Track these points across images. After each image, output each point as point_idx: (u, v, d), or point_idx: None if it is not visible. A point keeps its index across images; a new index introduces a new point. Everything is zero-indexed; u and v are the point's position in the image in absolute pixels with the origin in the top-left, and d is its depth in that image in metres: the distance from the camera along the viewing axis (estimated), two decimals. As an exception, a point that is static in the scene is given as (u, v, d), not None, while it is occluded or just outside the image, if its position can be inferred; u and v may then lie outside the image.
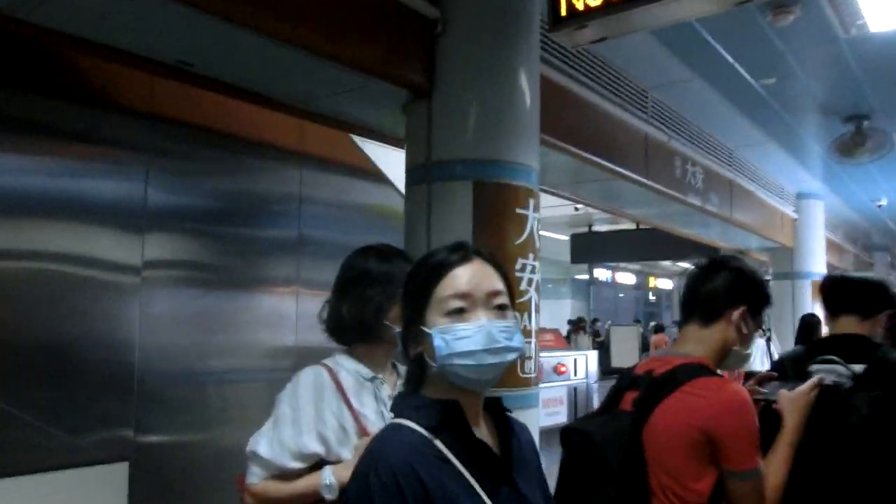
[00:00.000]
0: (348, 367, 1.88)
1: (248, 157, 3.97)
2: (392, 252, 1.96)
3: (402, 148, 4.25)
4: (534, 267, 3.34)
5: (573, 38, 3.20)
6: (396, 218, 4.91)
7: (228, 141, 3.85)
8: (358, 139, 4.49)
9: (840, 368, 2.10)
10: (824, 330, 2.65)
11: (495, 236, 3.23)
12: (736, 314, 1.84)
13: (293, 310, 4.10)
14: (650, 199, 6.03)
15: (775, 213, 8.95)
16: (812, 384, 1.94)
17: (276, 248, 4.10)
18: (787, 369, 2.31)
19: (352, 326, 1.89)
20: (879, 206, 10.57)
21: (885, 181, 9.15)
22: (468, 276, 1.26)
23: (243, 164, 3.96)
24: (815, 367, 2.12)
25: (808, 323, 5.91)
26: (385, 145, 4.37)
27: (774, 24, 4.08)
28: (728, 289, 1.86)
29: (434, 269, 1.28)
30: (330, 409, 1.77)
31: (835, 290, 2.44)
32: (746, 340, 1.87)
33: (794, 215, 9.55)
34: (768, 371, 2.30)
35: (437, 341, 1.22)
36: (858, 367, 2.03)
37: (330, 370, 1.86)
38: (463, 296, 1.24)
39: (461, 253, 1.30)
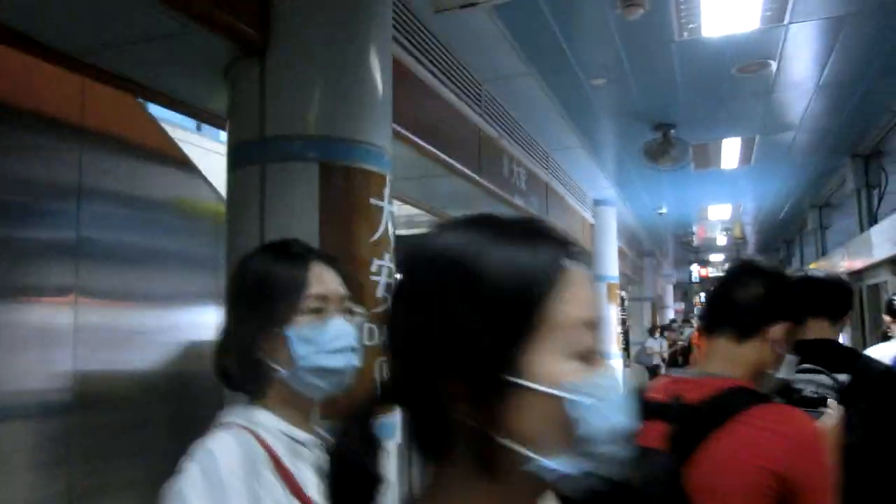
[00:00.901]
0: (270, 427, 1.18)
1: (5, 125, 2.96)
2: (303, 250, 1.33)
3: (217, 125, 3.48)
4: (390, 269, 2.75)
5: (440, -2, 2.67)
6: (207, 214, 4.07)
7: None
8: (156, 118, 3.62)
9: (825, 379, 1.90)
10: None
11: (346, 231, 2.60)
12: (777, 330, 1.44)
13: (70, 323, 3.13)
14: (477, 198, 5.67)
15: (578, 219, 9.12)
16: (835, 418, 1.58)
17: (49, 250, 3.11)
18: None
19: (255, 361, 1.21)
20: (660, 214, 11.28)
21: (669, 189, 9.71)
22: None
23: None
24: (798, 376, 1.91)
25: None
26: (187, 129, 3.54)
27: (625, 16, 3.86)
28: (768, 300, 1.47)
29: None
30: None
31: (803, 292, 2.20)
32: (780, 362, 1.46)
33: (592, 220, 9.84)
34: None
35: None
36: (843, 377, 1.81)
37: (255, 435, 1.15)
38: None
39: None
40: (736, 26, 4.34)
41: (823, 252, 11.17)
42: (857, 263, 7.55)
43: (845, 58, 4.97)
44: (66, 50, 2.75)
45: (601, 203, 9.92)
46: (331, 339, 1.22)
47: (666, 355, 12.83)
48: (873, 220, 7.84)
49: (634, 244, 14.67)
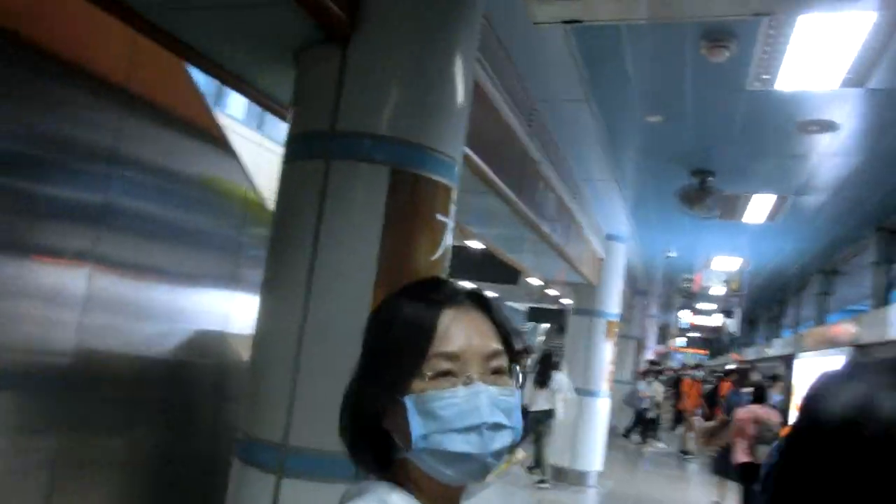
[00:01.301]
0: None
1: (48, 78, 2.67)
2: (446, 293, 1.00)
3: (269, 108, 3.22)
4: (444, 293, 2.49)
5: (544, 9, 2.42)
6: (235, 198, 3.80)
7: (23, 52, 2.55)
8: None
9: None
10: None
11: (408, 244, 2.34)
12: None
13: (82, 290, 2.83)
14: (505, 218, 5.41)
15: (590, 251, 8.89)
16: None
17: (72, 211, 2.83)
18: None
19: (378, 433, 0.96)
20: (668, 256, 11.09)
21: (683, 234, 9.52)
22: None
23: (39, 87, 2.65)
24: None
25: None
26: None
27: (708, 57, 3.64)
28: None
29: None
30: None
31: None
32: None
33: (602, 254, 9.62)
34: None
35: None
36: None
37: None
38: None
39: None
40: (813, 84, 4.14)
41: (822, 318, 11.03)
42: (868, 337, 7.37)
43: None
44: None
45: (613, 238, 9.70)
46: (459, 415, 0.91)
47: (660, 399, 12.63)
48: (887, 295, 7.70)
49: (630, 282, 14.48)
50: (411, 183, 2.36)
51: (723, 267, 11.85)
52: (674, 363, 29.37)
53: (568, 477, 9.00)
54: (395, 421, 0.92)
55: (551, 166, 5.61)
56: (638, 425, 13.74)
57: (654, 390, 13.17)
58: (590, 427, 9.21)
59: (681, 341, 34.32)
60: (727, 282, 14.28)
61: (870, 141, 5.09)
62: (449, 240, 2.51)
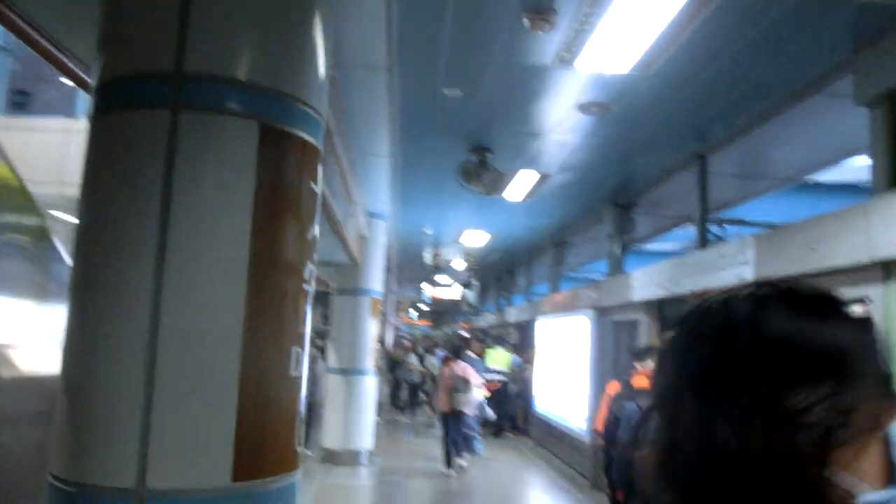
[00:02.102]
0: None
1: None
2: (832, 302, 0.67)
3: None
4: (311, 278, 2.04)
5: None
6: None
7: None
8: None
9: None
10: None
11: (279, 222, 1.85)
12: None
13: None
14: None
15: (356, 229, 8.63)
16: None
17: None
18: None
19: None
20: (424, 233, 11.27)
21: (443, 209, 9.70)
22: None
23: None
24: None
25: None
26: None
27: (531, 30, 3.54)
28: None
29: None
30: None
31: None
32: None
33: (366, 232, 9.42)
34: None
35: None
36: None
37: None
38: None
39: None
40: (607, 67, 4.27)
41: (556, 285, 12.06)
42: (607, 301, 8.13)
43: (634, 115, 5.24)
44: None
45: (376, 216, 9.55)
46: None
47: (435, 372, 12.82)
48: (621, 263, 8.58)
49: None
50: (282, 143, 1.87)
51: (470, 241, 12.36)
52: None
53: (341, 458, 8.75)
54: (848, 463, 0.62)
55: (340, 138, 5.21)
56: (413, 397, 14.01)
57: (430, 364, 13.41)
58: (359, 406, 9.02)
59: (413, 314, 35.82)
60: (468, 255, 15.01)
61: (628, 124, 5.48)
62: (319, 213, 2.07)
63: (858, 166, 9.86)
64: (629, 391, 5.25)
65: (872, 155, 3.95)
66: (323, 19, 2.07)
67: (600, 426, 5.72)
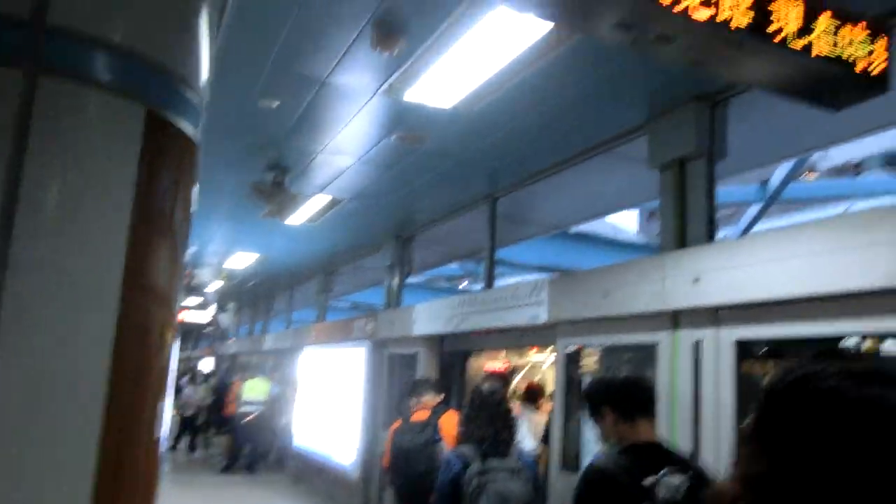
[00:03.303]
0: None
1: None
2: None
3: None
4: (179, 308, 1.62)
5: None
6: None
7: None
8: None
9: (676, 481, 2.03)
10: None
11: (158, 237, 1.43)
12: None
13: None
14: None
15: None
16: None
17: None
18: (621, 479, 2.12)
19: None
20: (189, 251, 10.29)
21: (214, 229, 8.96)
22: None
23: None
24: (666, 479, 2.05)
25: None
26: None
27: (378, 48, 3.34)
28: None
29: None
30: None
31: (632, 393, 2.44)
32: None
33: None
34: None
35: None
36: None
37: None
38: None
39: None
40: (434, 101, 4.22)
41: (324, 314, 11.76)
42: (387, 333, 8.06)
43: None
44: None
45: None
46: None
47: (206, 404, 11.55)
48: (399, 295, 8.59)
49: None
50: (166, 137, 1.46)
51: (236, 263, 11.59)
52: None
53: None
54: None
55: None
56: (186, 433, 12.55)
57: (201, 394, 12.12)
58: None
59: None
60: (228, 277, 14.08)
61: (432, 157, 5.50)
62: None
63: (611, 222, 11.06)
64: (409, 426, 5.17)
65: (662, 215, 4.36)
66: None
67: (385, 462, 5.56)
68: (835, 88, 2.50)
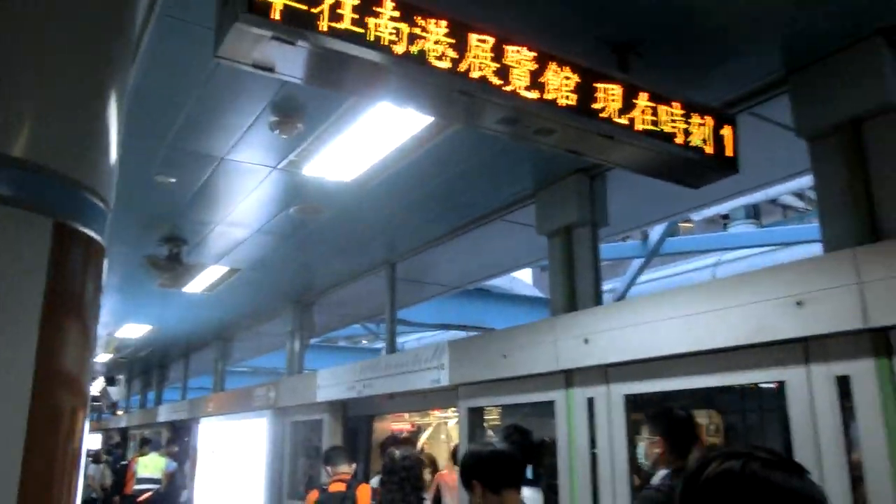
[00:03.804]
0: None
1: None
2: None
3: None
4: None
5: (242, 46, 1.90)
6: None
7: None
8: None
9: None
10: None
11: (67, 332, 1.45)
12: None
13: None
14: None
15: None
16: None
17: None
18: None
19: None
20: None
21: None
22: None
23: None
24: None
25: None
26: None
27: (278, 132, 3.42)
28: None
29: None
30: None
31: (499, 467, 2.53)
32: None
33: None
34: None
35: None
36: None
37: None
38: None
39: None
40: (333, 175, 4.33)
41: (221, 383, 11.36)
42: (286, 401, 7.90)
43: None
44: None
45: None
46: None
47: (108, 483, 10.67)
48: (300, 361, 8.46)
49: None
50: (73, 242, 1.48)
51: (127, 334, 11.05)
52: None
53: None
54: None
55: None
56: None
57: (103, 474, 11.21)
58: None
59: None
60: (117, 348, 13.37)
61: (331, 228, 5.58)
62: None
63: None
64: (328, 497, 5.10)
65: (551, 279, 4.61)
66: (118, 95, 1.74)
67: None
68: (691, 171, 2.80)
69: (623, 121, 2.48)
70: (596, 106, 2.47)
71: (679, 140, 2.64)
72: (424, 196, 4.90)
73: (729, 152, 2.84)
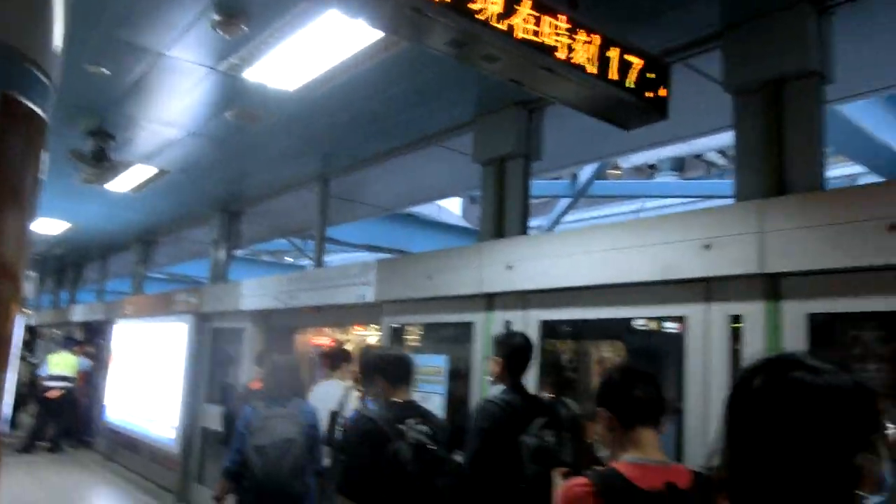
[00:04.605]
0: None
1: None
2: None
3: None
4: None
5: None
6: None
7: None
8: None
9: (422, 427, 2.91)
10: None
11: (10, 212, 1.46)
12: None
13: None
14: None
15: None
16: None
17: None
18: (382, 424, 2.90)
19: None
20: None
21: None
22: None
23: None
24: (415, 426, 2.92)
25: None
26: None
27: (221, 31, 3.33)
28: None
29: None
30: None
31: (399, 366, 3.18)
32: None
33: None
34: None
35: None
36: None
37: None
38: None
39: None
40: (276, 82, 4.25)
41: (141, 285, 11.16)
42: (213, 307, 7.89)
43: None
44: None
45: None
46: None
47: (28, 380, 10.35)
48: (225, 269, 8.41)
49: None
50: (17, 117, 1.47)
51: (41, 230, 10.62)
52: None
53: None
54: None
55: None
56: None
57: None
58: None
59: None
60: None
61: (267, 136, 5.50)
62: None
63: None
64: (248, 393, 5.29)
65: (482, 206, 4.73)
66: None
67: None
68: (625, 112, 2.93)
69: (562, 54, 2.56)
70: (546, 41, 2.54)
71: (613, 76, 2.75)
72: (365, 113, 4.89)
73: (661, 96, 2.97)
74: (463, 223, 12.54)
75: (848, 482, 0.99)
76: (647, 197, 10.21)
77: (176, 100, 4.77)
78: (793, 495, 1.00)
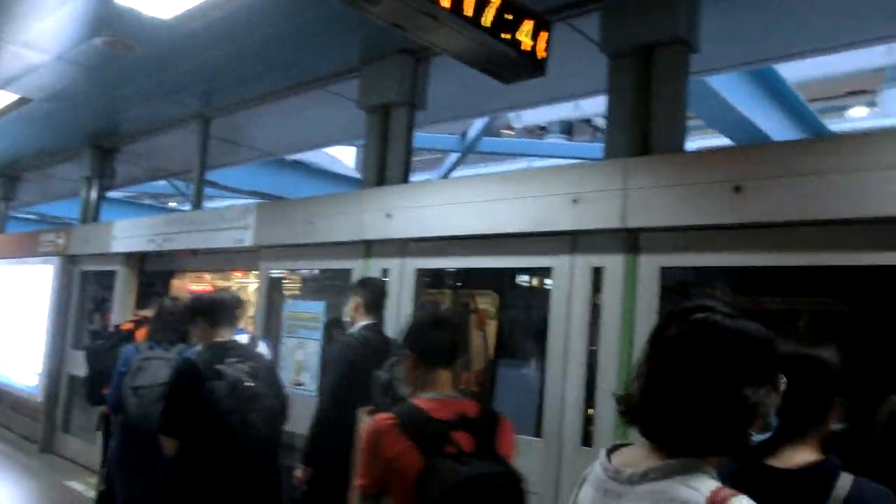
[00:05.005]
0: None
1: None
2: None
3: None
4: None
5: None
6: None
7: None
8: None
9: (240, 366, 3.00)
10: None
11: None
12: None
13: None
14: None
15: None
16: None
17: None
18: (201, 366, 2.98)
19: None
20: None
21: None
22: None
23: None
24: (233, 364, 3.01)
25: None
26: None
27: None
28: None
29: None
30: None
31: (218, 308, 3.24)
32: None
33: None
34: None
35: None
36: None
37: None
38: None
39: None
40: (150, 8, 3.99)
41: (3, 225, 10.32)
42: (82, 249, 7.44)
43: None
44: None
45: None
46: None
47: None
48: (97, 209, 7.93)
49: None
50: None
51: None
52: None
53: None
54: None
55: None
56: None
57: None
58: None
59: None
60: None
61: (141, 69, 5.19)
62: None
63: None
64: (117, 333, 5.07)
65: (366, 154, 4.69)
66: None
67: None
68: (505, 66, 2.97)
69: (445, 2, 2.56)
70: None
71: (493, 27, 2.78)
72: (247, 50, 4.69)
73: (540, 53, 3.04)
74: (354, 174, 12.40)
75: (743, 416, 1.12)
76: (534, 156, 10.45)
77: (38, 20, 4.37)
78: (695, 421, 1.13)
